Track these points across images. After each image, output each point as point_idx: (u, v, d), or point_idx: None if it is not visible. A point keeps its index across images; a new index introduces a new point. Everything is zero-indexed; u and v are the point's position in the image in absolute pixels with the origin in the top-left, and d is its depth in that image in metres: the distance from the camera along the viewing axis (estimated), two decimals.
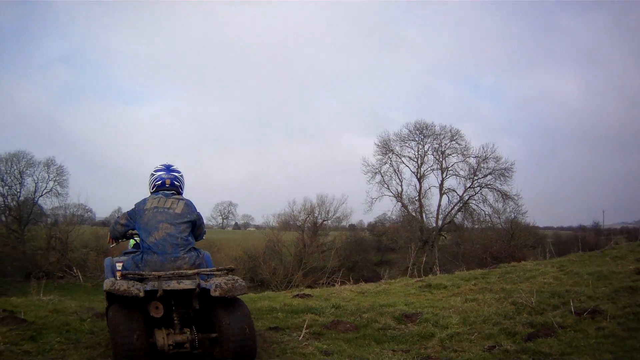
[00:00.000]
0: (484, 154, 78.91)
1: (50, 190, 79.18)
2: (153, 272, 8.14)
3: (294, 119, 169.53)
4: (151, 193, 9.60)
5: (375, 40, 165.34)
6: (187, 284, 8.20)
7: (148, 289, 7.93)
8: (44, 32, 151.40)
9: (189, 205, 9.23)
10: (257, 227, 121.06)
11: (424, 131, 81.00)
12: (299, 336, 10.92)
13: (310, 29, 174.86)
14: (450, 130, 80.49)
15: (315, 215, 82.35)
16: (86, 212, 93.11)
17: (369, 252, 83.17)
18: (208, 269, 8.69)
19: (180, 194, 9.67)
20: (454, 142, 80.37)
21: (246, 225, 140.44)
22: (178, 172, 9.76)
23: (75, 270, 68.29)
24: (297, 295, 16.19)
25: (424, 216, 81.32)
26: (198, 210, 9.26)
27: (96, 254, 73.09)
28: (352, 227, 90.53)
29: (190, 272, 8.27)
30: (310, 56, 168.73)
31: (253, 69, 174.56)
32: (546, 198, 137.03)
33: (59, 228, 75.49)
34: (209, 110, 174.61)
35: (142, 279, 8.18)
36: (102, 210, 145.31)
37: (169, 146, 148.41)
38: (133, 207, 9.19)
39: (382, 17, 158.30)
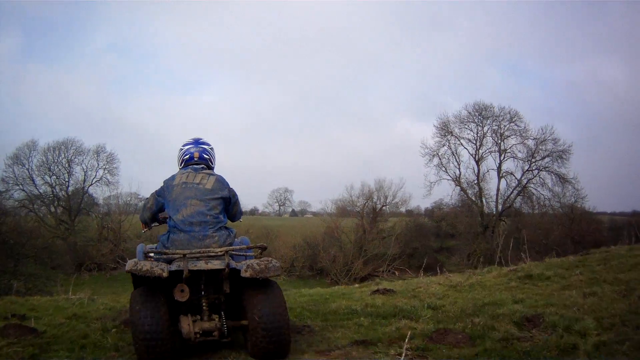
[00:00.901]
0: (543, 136, 75.42)
1: (101, 178, 77.63)
2: (177, 251, 7.58)
3: (348, 103, 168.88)
4: (180, 169, 8.95)
5: (424, 25, 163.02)
6: (215, 264, 7.54)
7: (172, 269, 7.37)
8: (93, 22, 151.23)
9: (221, 180, 8.59)
10: (315, 213, 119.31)
11: (483, 112, 77.88)
12: (399, 354, 8.02)
13: (361, 14, 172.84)
14: (510, 112, 77.15)
15: (374, 200, 79.71)
16: (139, 200, 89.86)
17: (429, 239, 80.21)
18: (237, 247, 8.00)
19: (210, 168, 9.06)
20: (512, 123, 77.06)
21: (303, 212, 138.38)
22: (207, 144, 9.15)
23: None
24: (377, 291, 13.78)
25: (483, 200, 78.18)
26: (232, 187, 8.64)
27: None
28: (410, 212, 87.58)
29: (218, 250, 7.58)
30: (361, 41, 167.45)
31: (306, 54, 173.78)
32: (598, 183, 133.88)
33: (111, 218, 74.58)
34: (262, 97, 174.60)
35: (167, 260, 7.66)
36: None
37: (222, 133, 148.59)
38: (162, 184, 8.55)
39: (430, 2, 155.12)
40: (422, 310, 10.74)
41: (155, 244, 8.62)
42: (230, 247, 7.73)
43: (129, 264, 7.43)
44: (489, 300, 11.70)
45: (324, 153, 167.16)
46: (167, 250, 7.63)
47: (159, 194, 8.57)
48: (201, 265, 7.40)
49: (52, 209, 75.59)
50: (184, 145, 9.03)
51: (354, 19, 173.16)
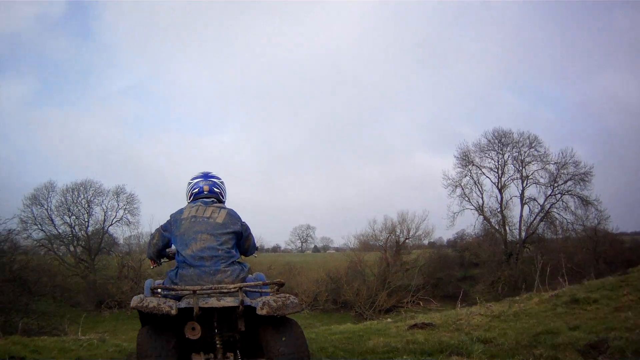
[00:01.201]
0: (563, 160, 74.64)
1: (121, 218, 77.26)
2: (187, 287, 7.08)
3: (365, 138, 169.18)
4: (188, 203, 8.52)
5: (434, 55, 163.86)
6: (228, 302, 7.02)
7: (182, 306, 6.91)
8: (108, 65, 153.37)
9: (232, 214, 8.14)
10: (337, 249, 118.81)
11: (503, 139, 77.25)
12: None
13: (374, 49, 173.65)
14: (529, 137, 76.59)
15: (397, 233, 78.77)
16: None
17: (453, 269, 78.94)
18: (252, 283, 7.47)
19: (221, 202, 8.62)
20: (532, 149, 76.40)
21: (325, 248, 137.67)
22: (217, 178, 8.79)
23: None
24: (415, 325, 12.86)
25: (506, 228, 77.28)
26: (244, 221, 8.22)
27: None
28: (432, 244, 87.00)
29: (231, 286, 7.07)
30: (375, 76, 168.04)
31: (320, 91, 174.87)
32: (618, 202, 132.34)
33: (131, 257, 73.67)
34: (280, 135, 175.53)
35: (177, 296, 7.21)
36: None
37: (241, 173, 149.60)
38: (168, 218, 8.12)
39: (437, 31, 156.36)
40: (472, 344, 9.75)
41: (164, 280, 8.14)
42: (245, 284, 7.24)
43: (135, 300, 6.93)
44: (542, 329, 10.88)
45: (343, 188, 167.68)
46: (176, 287, 7.16)
47: (164, 228, 8.17)
48: (213, 302, 6.95)
49: (72, 249, 74.93)
50: (192, 179, 8.68)
51: (367, 54, 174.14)
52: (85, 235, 75.25)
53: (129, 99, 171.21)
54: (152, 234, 8.56)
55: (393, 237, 78.56)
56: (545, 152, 75.98)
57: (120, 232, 78.64)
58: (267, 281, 7.59)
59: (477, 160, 78.47)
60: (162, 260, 8.91)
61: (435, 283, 72.45)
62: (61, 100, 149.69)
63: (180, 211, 8.03)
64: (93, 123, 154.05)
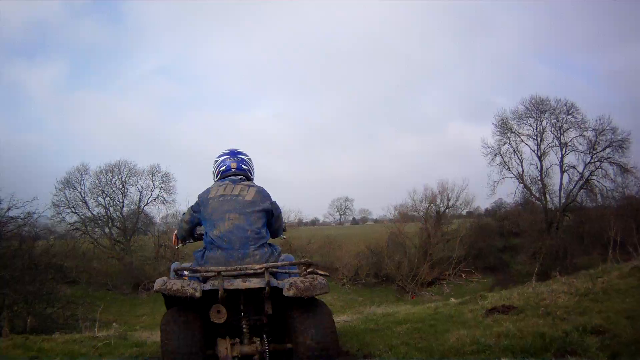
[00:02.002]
0: (601, 126, 72.79)
1: (157, 198, 75.75)
2: (211, 268, 6.80)
3: (399, 110, 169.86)
4: (215, 181, 8.30)
5: (467, 26, 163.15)
6: (254, 283, 6.76)
7: (207, 288, 6.64)
8: (140, 46, 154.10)
9: (262, 192, 7.81)
10: (376, 220, 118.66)
11: (540, 106, 75.82)
12: None
13: (408, 21, 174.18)
14: (566, 104, 74.94)
15: (437, 203, 77.63)
16: None
17: (493, 239, 77.16)
18: (279, 263, 7.17)
19: (249, 180, 8.34)
20: (570, 115, 74.74)
21: (364, 220, 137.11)
22: (245, 154, 8.50)
23: None
24: (495, 310, 10.53)
25: (547, 196, 75.93)
26: (274, 199, 7.84)
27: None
28: (470, 214, 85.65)
29: (257, 266, 6.81)
30: (409, 47, 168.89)
31: (355, 64, 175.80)
32: None
33: (168, 236, 70.98)
34: (314, 109, 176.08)
35: (202, 279, 6.92)
36: None
37: (277, 148, 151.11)
38: (196, 199, 7.90)
39: (471, 2, 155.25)
40: (582, 337, 7.61)
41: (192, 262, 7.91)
42: (271, 264, 7.00)
43: (158, 283, 6.79)
44: None
45: (379, 160, 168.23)
46: (200, 268, 6.94)
47: (194, 209, 8.00)
48: (238, 284, 6.75)
49: (107, 230, 74.00)
50: (219, 157, 8.45)
51: (402, 26, 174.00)
52: (120, 216, 74.22)
53: (162, 78, 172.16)
54: (183, 213, 8.49)
55: (433, 207, 77.58)
56: (582, 118, 74.56)
57: (156, 211, 77.84)
58: (294, 262, 7.45)
59: (515, 127, 77.32)
60: (188, 241, 8.83)
61: (477, 254, 71.12)
62: (93, 84, 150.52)
63: (207, 190, 7.79)
64: (126, 105, 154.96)
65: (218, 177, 8.25)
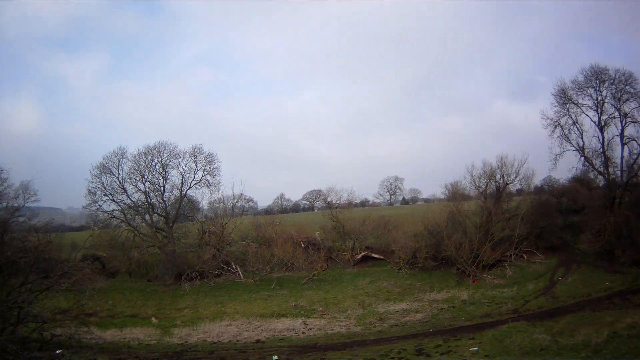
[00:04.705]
0: None
1: (200, 180, 71.60)
2: None
3: (444, 92, 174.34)
4: None
5: (506, 7, 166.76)
6: None
7: None
8: (180, 35, 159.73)
9: None
10: (426, 200, 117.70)
11: (600, 76, 71.71)
12: None
13: (451, 5, 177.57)
14: (624, 74, 70.95)
15: (497, 178, 73.26)
16: (247, 202, 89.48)
17: (554, 216, 73.65)
18: None
19: None
20: (628, 86, 70.59)
21: (414, 200, 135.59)
22: None
23: (234, 266, 63.79)
24: None
25: (610, 170, 71.46)
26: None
27: (257, 245, 68.46)
28: (520, 191, 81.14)
29: None
30: (452, 31, 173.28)
31: (399, 49, 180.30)
32: None
33: (213, 222, 70.09)
34: (359, 93, 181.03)
35: None
36: (265, 199, 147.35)
37: (323, 131, 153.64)
38: None
39: None
40: None
41: None
42: None
43: None
44: None
45: (427, 140, 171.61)
46: None
47: None
48: None
49: (147, 218, 70.35)
50: None
51: (447, 10, 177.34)
52: (162, 201, 70.54)
53: (203, 66, 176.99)
54: None
55: (493, 182, 73.60)
56: None
57: (200, 195, 74.61)
58: None
59: (575, 97, 73.08)
60: None
61: (539, 233, 67.94)
62: (134, 74, 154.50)
63: None
64: (168, 92, 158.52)
65: None
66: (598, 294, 50.95)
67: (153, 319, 52.75)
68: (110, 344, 44.98)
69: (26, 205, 60.60)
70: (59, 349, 19.84)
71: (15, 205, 59.81)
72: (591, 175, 74.65)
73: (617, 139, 70.57)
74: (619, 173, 70.63)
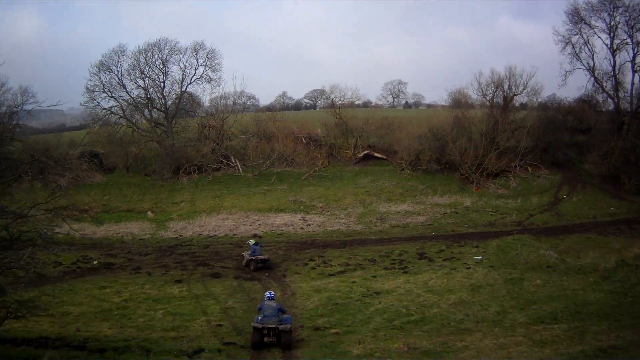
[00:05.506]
0: None
1: (201, 76, 69.89)
2: None
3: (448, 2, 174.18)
4: None
5: None
6: None
7: None
8: None
9: None
10: (429, 105, 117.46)
11: (614, 1, 69.94)
12: None
13: None
14: (639, 3, 68.80)
15: (505, 88, 71.39)
16: (249, 99, 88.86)
17: (561, 133, 71.66)
18: None
19: None
20: None
21: (417, 104, 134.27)
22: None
23: (233, 160, 63.18)
24: None
25: (619, 94, 70.58)
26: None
27: (258, 139, 67.64)
28: (524, 106, 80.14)
29: None
30: None
31: None
32: None
33: (213, 116, 68.78)
34: None
35: None
36: (267, 98, 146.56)
37: (327, 34, 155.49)
38: None
39: None
40: None
41: None
42: None
43: None
44: None
45: (430, 48, 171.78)
46: None
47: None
48: None
49: (147, 113, 69.45)
50: None
51: None
52: (162, 97, 69.01)
53: None
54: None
55: (500, 92, 71.91)
56: None
57: (200, 91, 73.32)
58: None
59: (587, 18, 71.59)
60: None
61: (545, 147, 67.08)
62: None
63: None
64: None
65: None
66: (604, 218, 50.56)
67: (149, 213, 52.26)
68: (104, 239, 45.27)
69: (24, 108, 60.10)
70: (29, 247, 18.80)
71: (14, 109, 59.53)
72: (600, 97, 73.38)
73: (629, 65, 69.49)
74: (628, 99, 69.92)
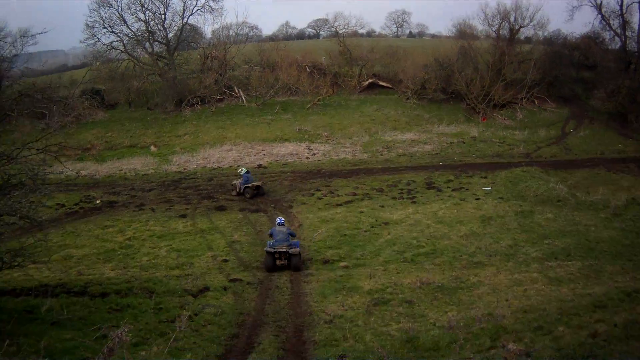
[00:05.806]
0: None
1: (203, 6, 67.80)
2: None
3: None
4: None
5: None
6: None
7: None
8: None
9: None
10: (433, 36, 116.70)
11: None
12: None
13: None
14: None
15: (511, 20, 70.64)
16: (251, 29, 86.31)
17: (568, 67, 71.06)
18: None
19: None
20: None
21: (421, 34, 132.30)
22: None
23: (236, 91, 62.33)
24: None
25: (627, 34, 69.44)
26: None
27: (261, 69, 66.40)
28: (529, 39, 78.92)
29: None
30: None
31: None
32: None
33: (215, 47, 67.54)
34: None
35: None
36: (270, 28, 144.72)
37: None
38: None
39: None
40: None
41: None
42: None
43: None
44: None
45: None
46: None
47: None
48: None
49: (148, 47, 67.60)
50: None
51: None
52: (163, 29, 67.31)
53: None
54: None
55: (506, 23, 70.89)
56: None
57: (202, 22, 71.94)
58: None
59: None
60: None
61: (551, 81, 66.24)
62: None
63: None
64: None
65: None
66: (612, 155, 49.98)
67: (152, 147, 51.73)
68: (107, 176, 44.88)
69: (25, 50, 60.04)
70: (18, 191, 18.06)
71: (14, 52, 58.97)
72: (607, 35, 71.89)
73: (636, 6, 67.77)
74: (636, 39, 68.83)
